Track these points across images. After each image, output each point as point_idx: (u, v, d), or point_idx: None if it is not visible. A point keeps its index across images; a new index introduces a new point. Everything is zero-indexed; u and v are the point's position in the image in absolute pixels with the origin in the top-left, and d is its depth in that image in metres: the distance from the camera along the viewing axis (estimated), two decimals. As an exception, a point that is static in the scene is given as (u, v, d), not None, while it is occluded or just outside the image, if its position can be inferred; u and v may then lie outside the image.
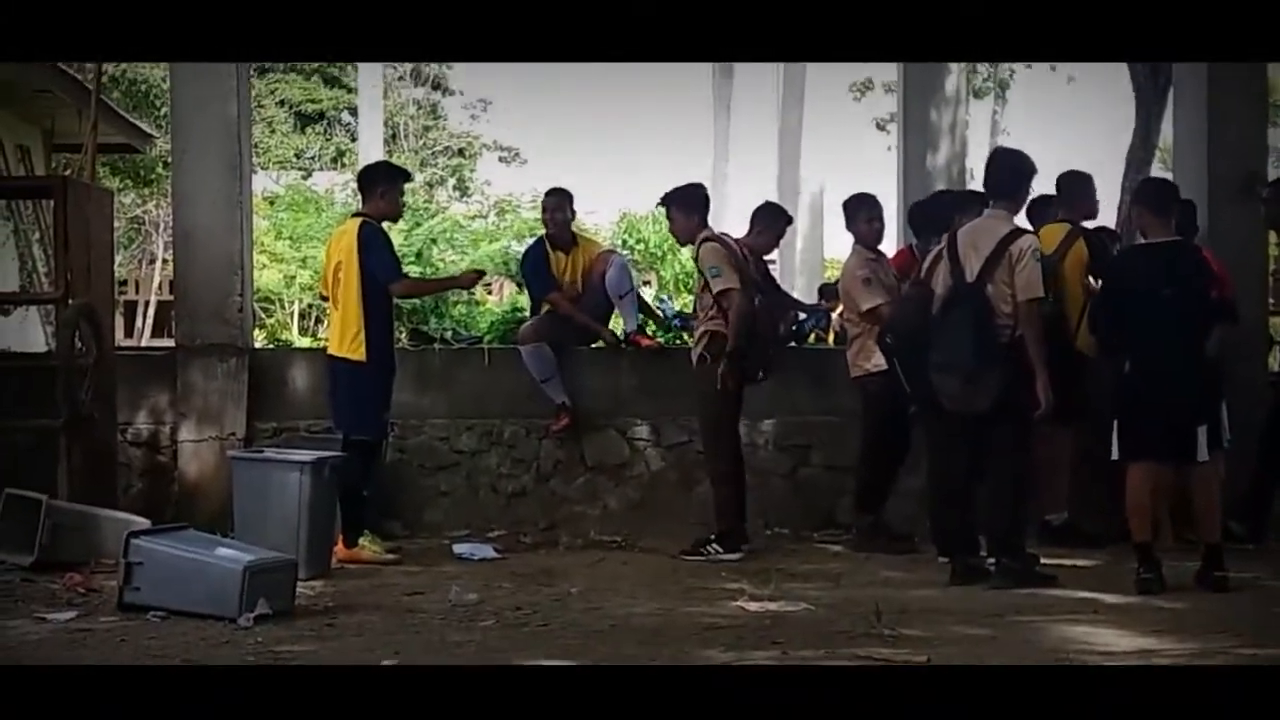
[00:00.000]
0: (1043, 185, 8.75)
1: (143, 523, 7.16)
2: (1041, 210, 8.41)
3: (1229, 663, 5.23)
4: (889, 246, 8.89)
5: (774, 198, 10.05)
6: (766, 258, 9.06)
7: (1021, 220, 7.28)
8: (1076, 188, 8.50)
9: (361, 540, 7.68)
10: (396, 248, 8.35)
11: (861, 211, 8.33)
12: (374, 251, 7.68)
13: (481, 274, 8.47)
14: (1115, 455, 7.00)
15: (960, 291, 6.94)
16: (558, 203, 9.05)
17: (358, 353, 7.68)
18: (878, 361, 7.96)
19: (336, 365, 7.80)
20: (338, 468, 7.41)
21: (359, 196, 8.22)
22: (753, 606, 6.39)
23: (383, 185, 7.93)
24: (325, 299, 8.26)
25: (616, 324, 9.52)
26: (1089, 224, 8.48)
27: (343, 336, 7.71)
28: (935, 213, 8.27)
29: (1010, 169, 7.11)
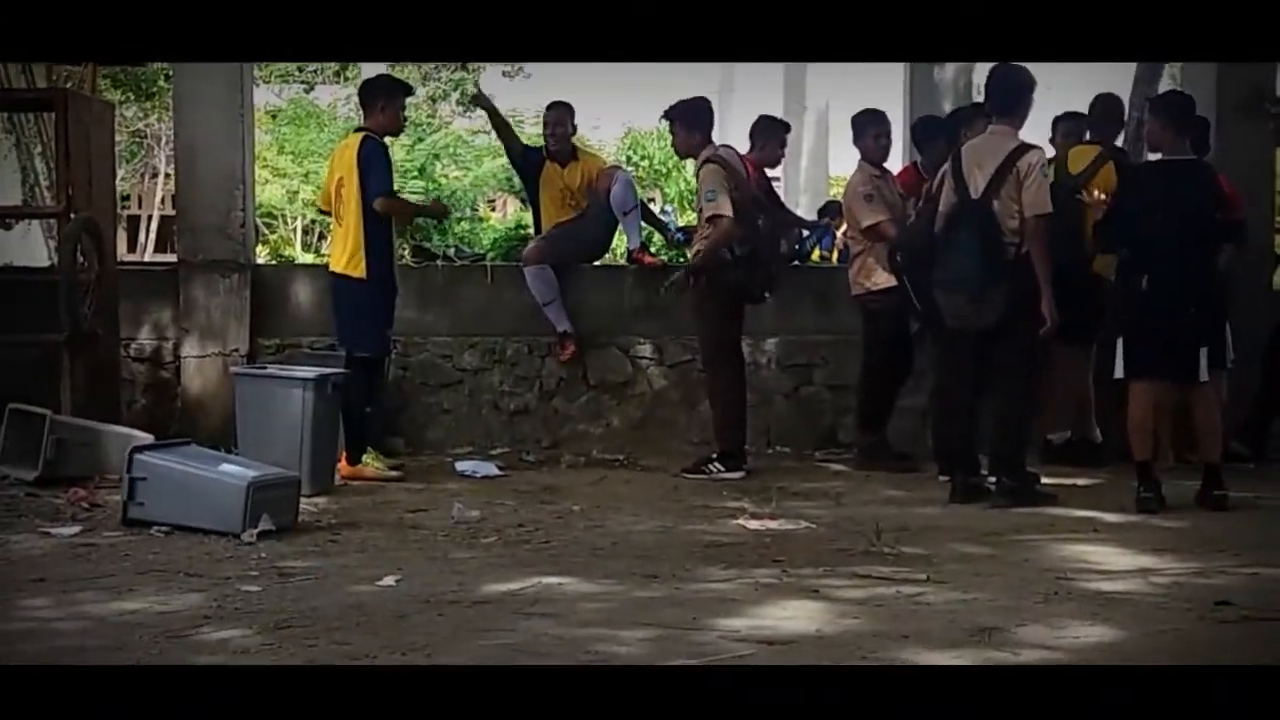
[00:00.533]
0: (1059, 104, 8.74)
1: (146, 438, 7.17)
2: (1068, 127, 8.38)
3: (1228, 581, 5.28)
4: (895, 164, 8.83)
5: (780, 115, 9.92)
6: (770, 174, 9.01)
7: (1026, 136, 7.22)
8: (1110, 110, 8.46)
9: (365, 457, 7.70)
10: (398, 163, 8.32)
11: (870, 128, 8.26)
12: (373, 168, 7.64)
13: (446, 209, 8.39)
14: (1120, 374, 6.99)
15: (966, 208, 6.91)
16: (558, 116, 8.99)
17: (358, 270, 7.66)
18: (878, 280, 7.96)
19: (338, 282, 7.79)
20: (340, 385, 7.42)
21: (360, 111, 8.15)
22: (753, 525, 6.42)
23: (383, 99, 7.86)
24: (326, 214, 8.24)
25: (620, 241, 9.50)
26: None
27: (344, 253, 7.69)
28: (941, 128, 8.23)
29: (1010, 85, 7.03)
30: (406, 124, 8.05)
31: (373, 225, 7.66)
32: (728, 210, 7.84)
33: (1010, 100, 7.02)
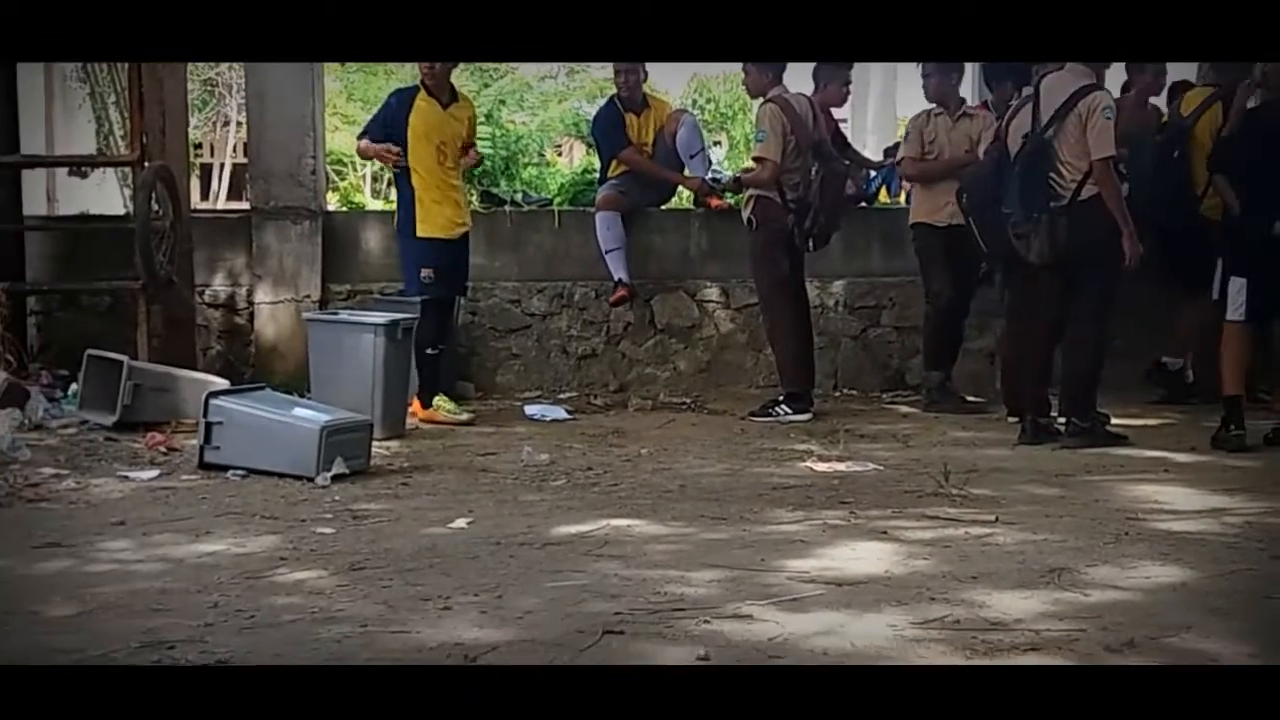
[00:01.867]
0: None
1: (221, 383, 7.28)
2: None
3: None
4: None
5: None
6: (838, 115, 8.97)
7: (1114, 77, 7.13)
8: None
9: (436, 401, 7.78)
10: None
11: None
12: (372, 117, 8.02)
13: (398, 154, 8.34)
14: (1238, 315, 6.85)
15: (1030, 141, 6.86)
16: (630, 64, 8.96)
17: (394, 221, 8.00)
18: (915, 215, 8.25)
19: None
20: (410, 330, 7.49)
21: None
22: (821, 467, 6.43)
23: None
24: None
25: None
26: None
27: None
28: (1011, 69, 8.13)
29: None
30: (432, 77, 7.90)
31: (396, 176, 7.97)
32: (773, 154, 7.84)
33: None
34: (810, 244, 8.01)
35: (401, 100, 7.93)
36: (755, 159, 7.99)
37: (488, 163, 10.55)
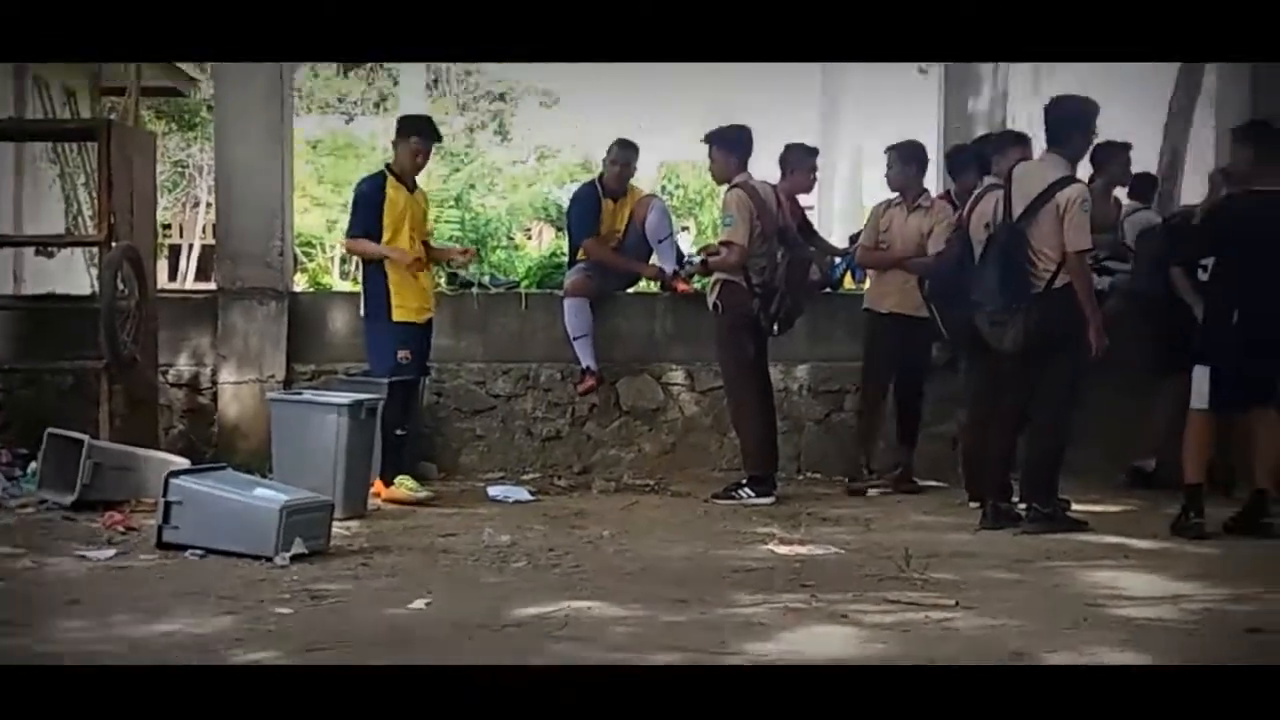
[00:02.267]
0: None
1: (182, 462, 7.25)
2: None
3: (1260, 608, 5.26)
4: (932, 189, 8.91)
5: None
6: (803, 202, 9.06)
7: (1083, 170, 7.22)
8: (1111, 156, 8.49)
9: (398, 480, 7.77)
10: (434, 192, 8.47)
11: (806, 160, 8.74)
12: (353, 208, 8.15)
13: (420, 260, 8.44)
14: (1199, 404, 6.89)
15: (1000, 229, 6.93)
16: (628, 157, 8.96)
17: (362, 305, 8.09)
18: (867, 300, 8.45)
19: None
20: (374, 411, 7.49)
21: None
22: (783, 550, 6.43)
23: (396, 138, 8.24)
24: None
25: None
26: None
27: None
28: (974, 156, 8.25)
29: (1067, 115, 6.97)
30: (421, 165, 8.17)
31: (365, 263, 8.05)
32: (740, 239, 7.91)
33: (1064, 130, 6.96)
34: (775, 328, 8.06)
35: (374, 188, 8.00)
36: (722, 243, 8.06)
37: (456, 244, 10.63)
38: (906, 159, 8.35)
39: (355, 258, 10.14)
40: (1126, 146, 8.75)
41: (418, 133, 8.14)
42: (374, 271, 7.96)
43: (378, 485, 7.70)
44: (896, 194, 8.43)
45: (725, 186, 8.25)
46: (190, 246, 24.27)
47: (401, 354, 7.88)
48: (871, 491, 8.28)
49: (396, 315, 7.89)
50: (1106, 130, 8.85)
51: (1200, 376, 6.88)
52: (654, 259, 9.05)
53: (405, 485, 7.78)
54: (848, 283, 9.81)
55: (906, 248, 8.27)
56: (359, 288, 8.65)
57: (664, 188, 17.76)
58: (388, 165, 8.16)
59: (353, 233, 8.10)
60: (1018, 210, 6.89)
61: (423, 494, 7.81)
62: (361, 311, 8.09)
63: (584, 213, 8.94)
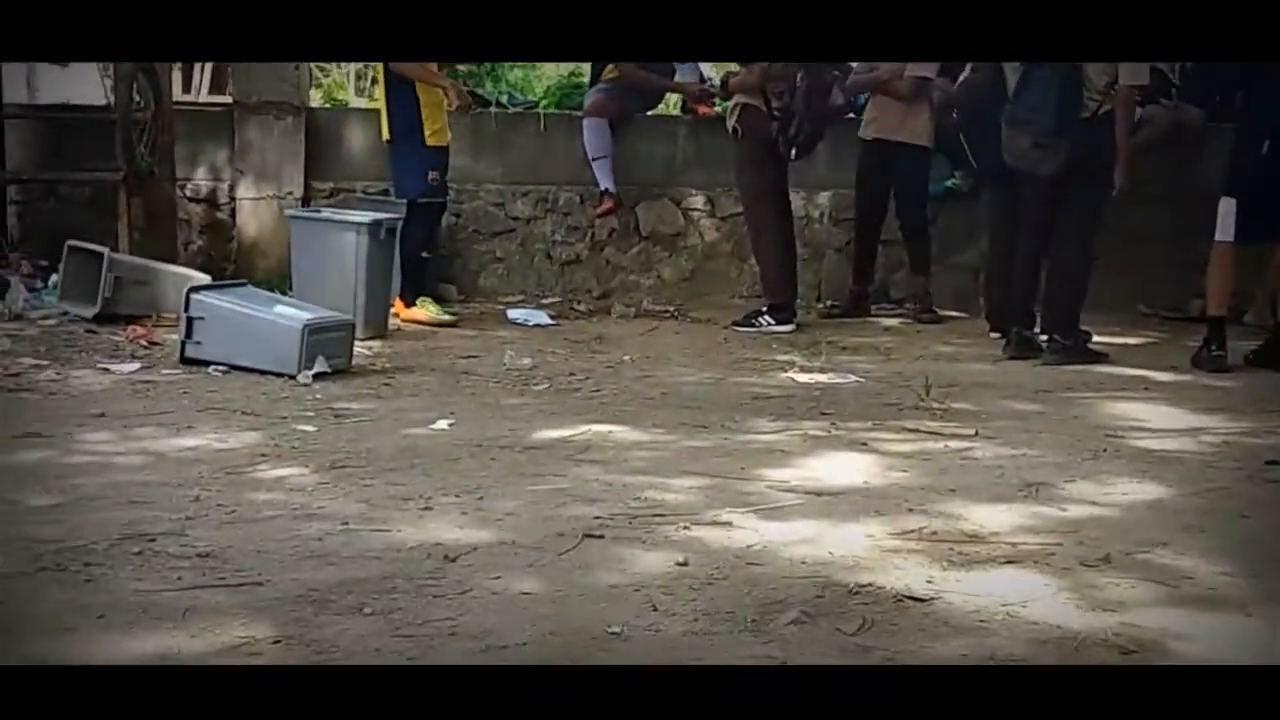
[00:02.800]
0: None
1: (203, 278, 7.25)
2: None
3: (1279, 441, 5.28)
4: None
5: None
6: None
7: None
8: None
9: (420, 301, 7.74)
10: None
11: None
12: None
13: (466, 101, 8.34)
14: (1227, 236, 6.79)
15: None
16: None
17: (383, 132, 7.85)
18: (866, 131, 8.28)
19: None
20: (394, 230, 7.45)
21: None
22: (802, 378, 6.44)
23: None
24: None
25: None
26: None
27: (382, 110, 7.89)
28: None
29: None
30: None
31: (391, 82, 7.75)
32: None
33: None
34: (794, 153, 7.96)
35: None
36: (745, 64, 7.91)
37: (473, 65, 10.47)
38: None
39: (373, 77, 9.97)
40: None
41: None
42: (405, 94, 7.72)
43: (397, 305, 7.68)
44: None
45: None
46: (203, 59, 23.97)
47: (433, 175, 7.76)
48: (889, 321, 8.28)
49: (430, 139, 7.73)
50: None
51: (1226, 208, 6.79)
52: (678, 79, 8.92)
53: (428, 307, 7.76)
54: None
55: (891, 71, 8.16)
56: (374, 104, 8.54)
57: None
58: None
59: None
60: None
61: (445, 316, 7.79)
62: (384, 135, 7.87)
63: None
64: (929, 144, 8.25)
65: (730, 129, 8.04)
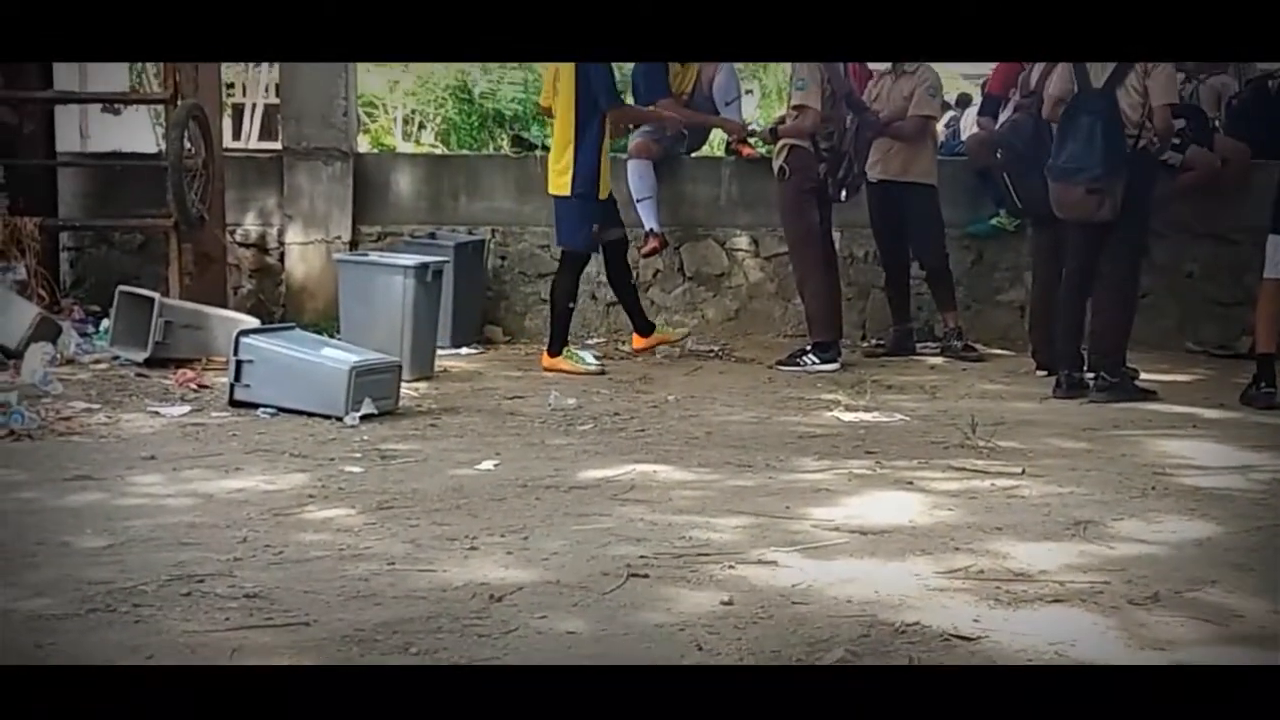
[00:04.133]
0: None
1: (252, 321, 7.32)
2: None
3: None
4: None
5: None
6: (874, 68, 8.92)
7: None
8: None
9: (566, 351, 7.73)
10: None
11: None
12: (597, 73, 7.48)
13: (682, 129, 8.56)
14: (1275, 273, 6.68)
15: (1088, 97, 6.77)
16: None
17: (562, 188, 7.62)
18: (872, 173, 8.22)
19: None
20: (440, 272, 7.49)
21: None
22: (847, 417, 6.43)
23: None
24: (547, 113, 8.11)
25: (719, 132, 9.44)
26: None
27: (553, 169, 7.67)
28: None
29: None
30: None
31: (584, 132, 7.52)
32: (814, 102, 7.78)
33: None
34: (844, 194, 7.98)
35: None
36: (796, 107, 7.91)
37: (519, 107, 10.57)
38: None
39: (420, 123, 10.04)
40: None
41: None
42: (594, 145, 7.59)
43: (543, 356, 7.71)
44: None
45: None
46: (254, 106, 24.24)
47: (596, 229, 7.73)
48: (934, 359, 8.26)
49: (602, 192, 7.69)
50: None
51: (1275, 245, 6.74)
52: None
53: (571, 357, 7.72)
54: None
55: (892, 114, 8.20)
56: (423, 149, 8.60)
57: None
58: None
59: (650, 98, 7.77)
60: (1097, 77, 6.75)
61: (592, 365, 7.71)
62: (566, 189, 7.60)
63: (651, 74, 8.78)
64: (935, 183, 8.28)
65: (777, 170, 8.04)
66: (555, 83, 7.65)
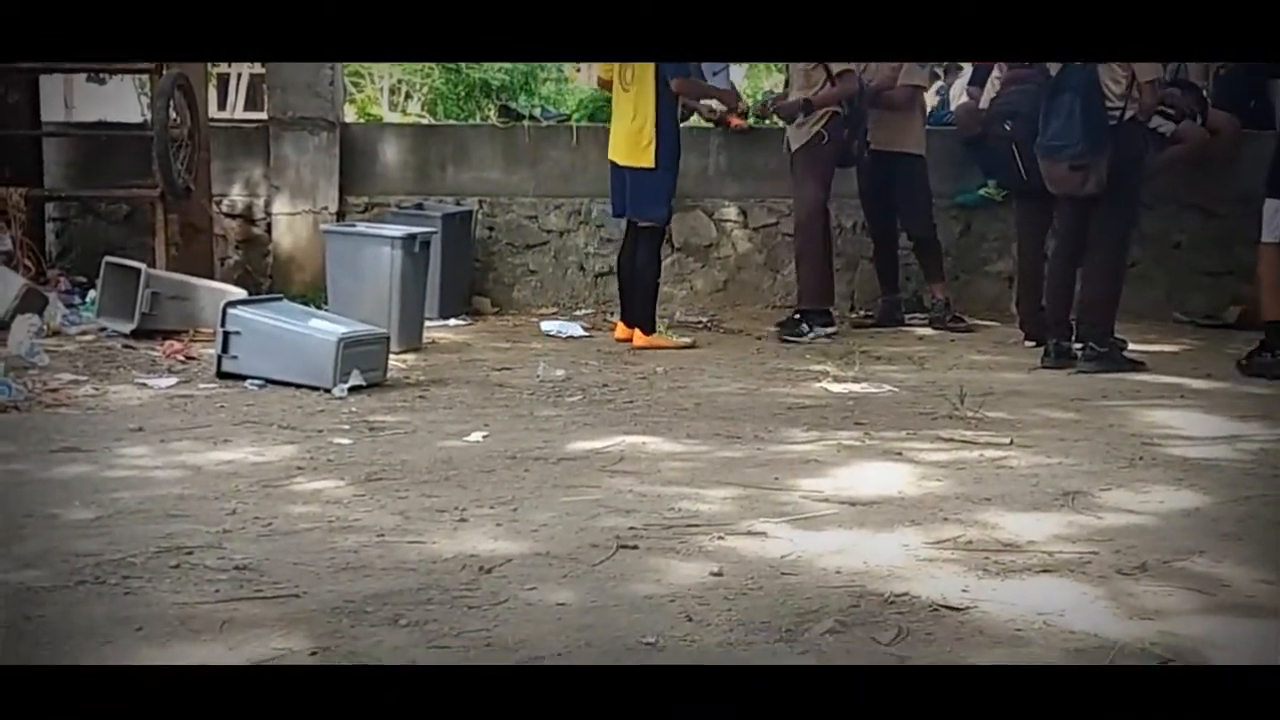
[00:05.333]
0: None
1: (239, 293, 7.30)
2: None
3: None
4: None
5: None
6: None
7: None
8: None
9: (660, 327, 7.73)
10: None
11: None
12: None
13: (738, 102, 8.80)
14: (1273, 238, 6.72)
15: (1069, 73, 6.77)
16: None
17: (646, 160, 7.49)
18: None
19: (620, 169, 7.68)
20: (428, 243, 7.47)
21: None
22: (836, 388, 6.44)
23: None
24: (605, 86, 7.99)
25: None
26: None
27: (634, 143, 7.53)
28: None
29: None
30: None
31: (664, 107, 7.45)
32: (853, 65, 7.84)
33: None
34: (861, 155, 8.07)
35: None
36: (842, 73, 7.86)
37: (506, 77, 10.51)
38: None
39: (407, 93, 9.97)
40: None
41: None
42: (672, 118, 7.55)
43: (635, 334, 7.60)
44: None
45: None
46: (239, 75, 24.09)
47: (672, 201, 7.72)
48: (922, 330, 8.26)
49: (680, 163, 7.69)
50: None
51: (1271, 209, 6.74)
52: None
53: (666, 333, 7.74)
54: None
55: (882, 83, 8.19)
56: (409, 118, 8.55)
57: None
58: None
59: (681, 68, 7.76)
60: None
61: (684, 339, 7.72)
62: (650, 162, 7.45)
63: None
64: (924, 153, 8.27)
65: (814, 136, 7.92)
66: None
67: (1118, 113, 6.74)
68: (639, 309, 7.64)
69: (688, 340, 7.72)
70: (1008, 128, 7.37)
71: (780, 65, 9.05)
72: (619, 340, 7.68)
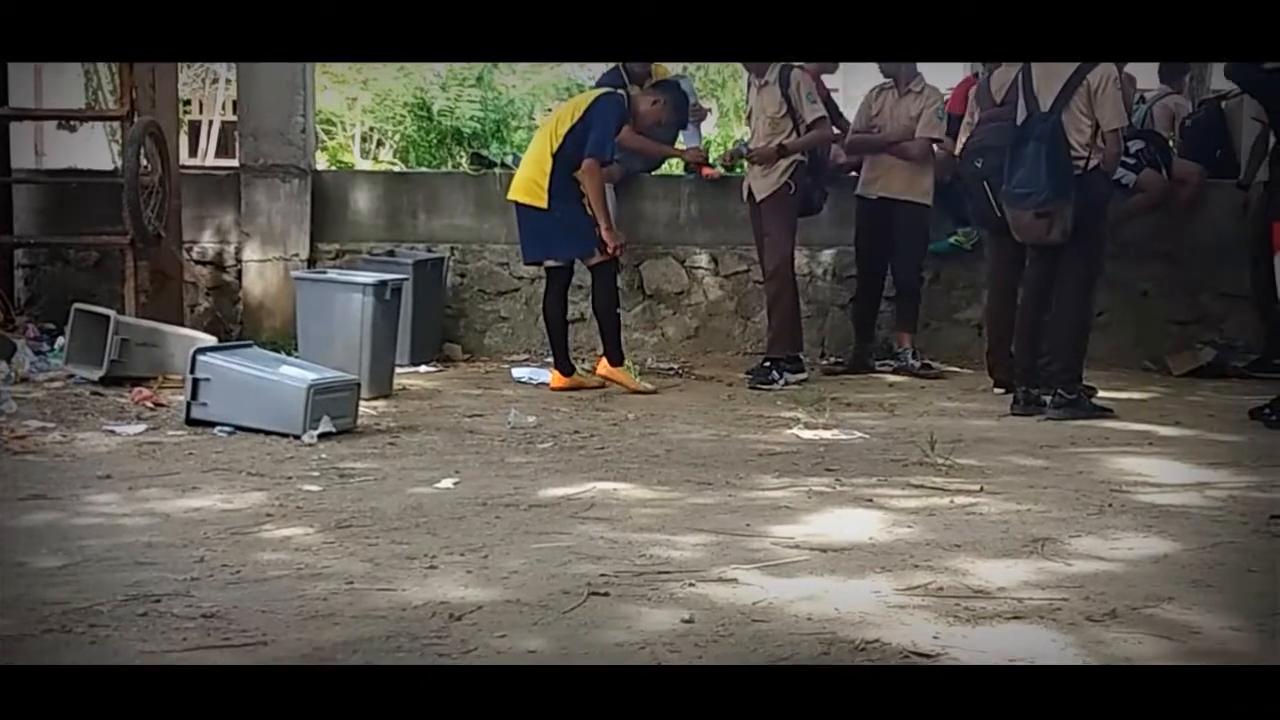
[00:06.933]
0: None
1: (208, 339, 7.29)
2: None
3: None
4: (954, 77, 8.82)
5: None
6: (828, 84, 8.98)
7: None
8: None
9: (627, 364, 7.76)
10: (457, 70, 8.28)
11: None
12: (601, 123, 7.52)
13: (701, 156, 8.93)
14: None
15: (1035, 121, 6.84)
16: None
17: (540, 199, 7.58)
18: (859, 187, 8.40)
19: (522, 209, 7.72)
20: (399, 289, 7.47)
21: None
22: (807, 434, 6.45)
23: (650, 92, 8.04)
24: None
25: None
26: None
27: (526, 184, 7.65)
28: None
29: None
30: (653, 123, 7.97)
31: (561, 168, 7.54)
32: (825, 112, 7.95)
33: None
34: (822, 205, 8.20)
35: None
36: (816, 121, 7.95)
37: (478, 125, 10.57)
38: None
39: (379, 140, 9.99)
40: None
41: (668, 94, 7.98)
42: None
43: (601, 364, 7.71)
44: (888, 78, 8.40)
45: (755, 76, 8.16)
46: (210, 123, 24.10)
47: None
48: (893, 377, 8.29)
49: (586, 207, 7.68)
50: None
51: None
52: (679, 141, 8.98)
53: (631, 373, 7.76)
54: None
55: (897, 132, 8.28)
56: (380, 166, 8.58)
57: (686, 68, 17.52)
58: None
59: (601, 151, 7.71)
60: (1045, 99, 6.82)
61: (646, 386, 7.73)
62: (543, 202, 7.58)
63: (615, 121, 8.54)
64: (930, 203, 8.34)
65: (781, 186, 7.98)
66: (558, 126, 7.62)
67: (1083, 161, 6.80)
68: (607, 340, 7.72)
69: (650, 388, 7.73)
70: (978, 165, 7.42)
71: (745, 114, 9.09)
72: (554, 389, 7.68)
